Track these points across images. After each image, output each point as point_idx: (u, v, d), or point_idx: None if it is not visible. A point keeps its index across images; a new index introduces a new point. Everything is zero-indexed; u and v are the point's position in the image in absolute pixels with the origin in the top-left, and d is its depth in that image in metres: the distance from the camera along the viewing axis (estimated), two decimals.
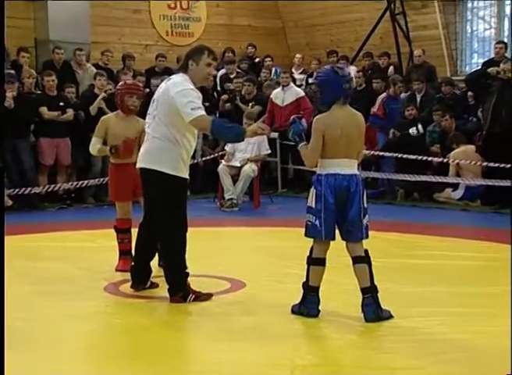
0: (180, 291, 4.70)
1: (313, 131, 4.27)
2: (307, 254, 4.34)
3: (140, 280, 5.04)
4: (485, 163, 8.95)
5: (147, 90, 9.64)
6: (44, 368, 3.60)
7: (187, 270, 4.75)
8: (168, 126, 4.61)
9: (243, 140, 4.72)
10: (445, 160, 9.47)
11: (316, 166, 4.33)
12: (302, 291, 4.34)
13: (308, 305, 4.31)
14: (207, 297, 4.77)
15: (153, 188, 4.70)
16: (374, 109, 10.41)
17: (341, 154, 4.22)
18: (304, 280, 4.34)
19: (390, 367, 3.54)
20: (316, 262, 4.30)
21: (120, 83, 6.07)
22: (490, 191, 9.03)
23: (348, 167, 4.25)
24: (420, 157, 9.36)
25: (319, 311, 4.31)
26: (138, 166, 4.81)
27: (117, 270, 5.63)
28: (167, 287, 4.76)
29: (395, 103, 10.41)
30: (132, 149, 5.58)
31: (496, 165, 8.59)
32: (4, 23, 8.55)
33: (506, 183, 8.44)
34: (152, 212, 4.78)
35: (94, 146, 5.80)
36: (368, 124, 9.69)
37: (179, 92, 4.54)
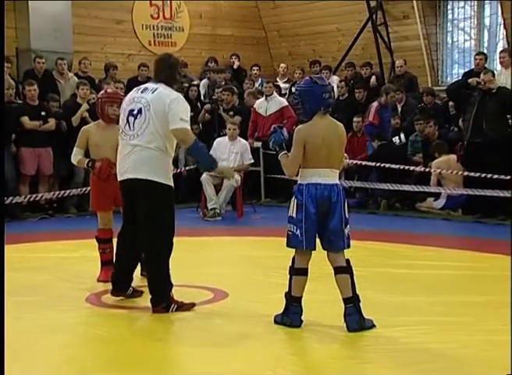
0: (163, 301, 4.68)
1: (294, 141, 4.28)
2: (290, 264, 4.34)
3: (121, 287, 5.01)
4: (466, 173, 9.01)
5: None
6: None
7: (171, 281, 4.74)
8: (163, 137, 4.67)
9: (208, 171, 4.93)
10: (427, 169, 9.52)
11: (297, 176, 4.34)
12: (285, 301, 4.34)
13: (291, 315, 4.31)
14: (189, 307, 4.75)
15: (148, 199, 4.66)
16: (369, 118, 10.38)
17: (322, 164, 4.24)
18: (287, 290, 4.34)
19: None
20: (298, 272, 4.29)
21: (101, 92, 6.05)
22: (471, 201, 9.09)
23: (329, 177, 4.26)
24: (402, 166, 9.41)
25: (302, 321, 4.30)
26: (132, 176, 4.70)
27: (99, 281, 5.60)
28: (150, 297, 4.74)
29: (386, 112, 10.47)
30: (108, 172, 5.54)
31: (477, 174, 8.65)
32: (4, 23, 8.46)
33: (487, 192, 8.50)
34: (142, 222, 4.71)
35: (76, 156, 5.78)
36: (349, 134, 9.79)
37: (175, 99, 4.68)
